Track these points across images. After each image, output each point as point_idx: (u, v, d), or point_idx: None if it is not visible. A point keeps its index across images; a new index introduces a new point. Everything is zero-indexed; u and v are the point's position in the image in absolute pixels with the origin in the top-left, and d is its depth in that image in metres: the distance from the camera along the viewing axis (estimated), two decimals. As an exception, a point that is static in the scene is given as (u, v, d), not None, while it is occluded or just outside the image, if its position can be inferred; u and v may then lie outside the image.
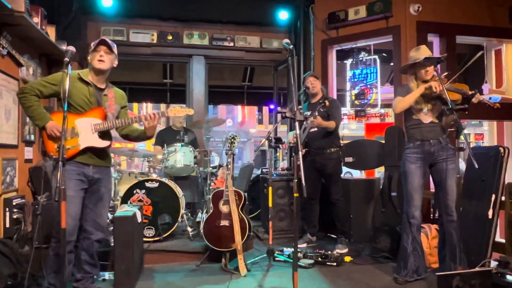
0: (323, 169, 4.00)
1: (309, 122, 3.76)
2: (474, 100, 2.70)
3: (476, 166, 2.23)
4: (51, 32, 4.12)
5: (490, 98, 2.72)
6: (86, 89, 2.63)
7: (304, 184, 2.06)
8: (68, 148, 2.49)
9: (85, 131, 2.57)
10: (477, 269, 2.58)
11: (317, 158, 3.99)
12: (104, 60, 2.60)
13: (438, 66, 2.90)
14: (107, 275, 3.16)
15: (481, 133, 23.12)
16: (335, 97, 5.40)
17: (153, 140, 5.02)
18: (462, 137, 2.50)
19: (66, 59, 2.26)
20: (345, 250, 3.88)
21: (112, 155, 4.44)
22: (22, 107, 2.64)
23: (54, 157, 2.52)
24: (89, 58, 2.65)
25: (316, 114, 3.71)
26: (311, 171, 4.02)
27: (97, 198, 2.70)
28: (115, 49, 2.70)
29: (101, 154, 2.70)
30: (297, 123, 2.17)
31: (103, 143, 2.64)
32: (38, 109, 2.53)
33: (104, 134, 2.67)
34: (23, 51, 3.87)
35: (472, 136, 24.52)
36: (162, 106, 20.02)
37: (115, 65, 2.75)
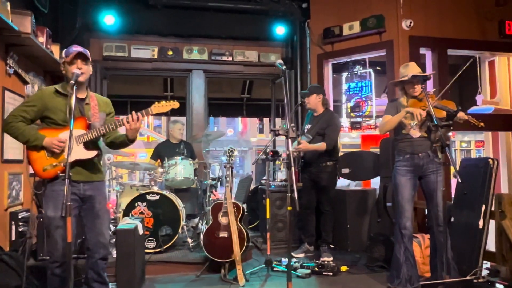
0: (317, 181, 4.10)
1: (293, 148, 3.76)
2: (459, 116, 2.81)
3: (460, 181, 2.34)
4: (55, 50, 4.27)
5: (478, 118, 2.81)
6: (65, 102, 2.52)
7: (296, 198, 2.18)
8: (55, 165, 2.45)
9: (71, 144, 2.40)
10: (460, 278, 2.67)
11: (312, 169, 4.10)
12: (83, 71, 2.52)
13: (427, 82, 3.03)
14: (110, 286, 3.27)
15: (482, 140, 23.23)
16: (331, 108, 5.54)
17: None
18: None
19: (72, 81, 2.35)
20: (331, 258, 3.99)
21: (113, 168, 4.61)
22: (14, 138, 2.50)
23: (38, 179, 2.49)
24: (63, 70, 2.56)
25: (300, 140, 3.85)
26: (307, 182, 4.14)
27: (94, 216, 2.62)
28: (89, 56, 2.60)
29: (90, 167, 2.60)
30: (289, 141, 2.30)
31: (90, 154, 2.55)
32: (31, 130, 2.47)
33: (90, 145, 2.57)
34: (29, 69, 4.02)
35: (473, 143, 24.63)
36: (164, 118, 20.28)
37: (91, 72, 2.67)
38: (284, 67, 2.59)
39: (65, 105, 2.52)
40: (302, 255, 4.21)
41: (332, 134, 4.00)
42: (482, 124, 2.74)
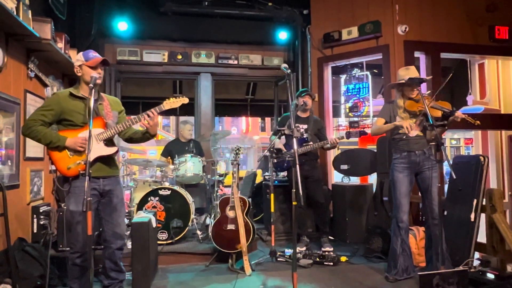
0: (310, 176, 4.11)
1: (336, 138, 3.88)
2: (456, 115, 2.80)
3: (455, 177, 2.34)
4: (73, 55, 4.26)
5: (473, 117, 2.80)
6: (82, 104, 2.53)
7: (301, 194, 2.18)
8: (79, 163, 2.45)
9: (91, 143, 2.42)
10: (454, 269, 2.67)
11: (305, 167, 4.06)
12: (101, 75, 2.55)
13: (422, 85, 3.01)
14: (126, 275, 3.28)
15: (471, 137, 23.12)
16: (330, 109, 5.54)
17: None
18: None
19: (91, 85, 2.37)
20: (331, 249, 3.99)
21: (127, 165, 4.62)
22: (35, 141, 2.47)
23: (60, 175, 2.49)
24: (78, 72, 2.54)
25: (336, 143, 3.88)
26: (300, 178, 4.14)
27: (111, 209, 2.63)
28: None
29: (110, 163, 2.63)
30: (294, 140, 2.29)
31: (111, 150, 2.58)
32: (52, 133, 2.47)
33: (109, 142, 2.61)
34: (48, 73, 4.03)
35: (462, 141, 24.52)
36: (172, 118, 20.28)
37: None
38: (288, 70, 2.58)
39: (81, 107, 2.52)
40: (304, 248, 4.21)
41: (326, 134, 4.21)
42: (478, 122, 2.72)
